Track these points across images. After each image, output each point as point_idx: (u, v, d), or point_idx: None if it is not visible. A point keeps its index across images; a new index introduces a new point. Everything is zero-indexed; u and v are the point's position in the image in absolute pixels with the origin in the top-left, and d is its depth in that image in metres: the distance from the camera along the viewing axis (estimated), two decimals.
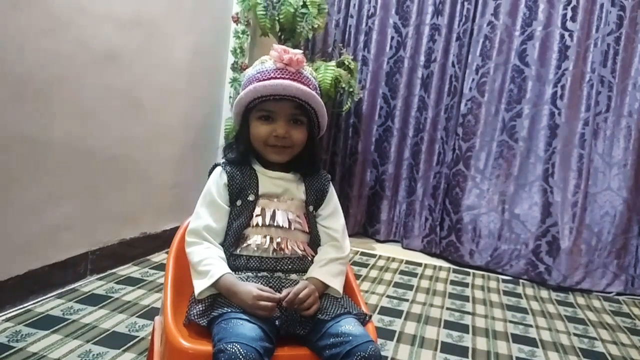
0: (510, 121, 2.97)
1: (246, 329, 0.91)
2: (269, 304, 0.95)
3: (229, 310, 0.97)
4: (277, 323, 0.97)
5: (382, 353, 1.59)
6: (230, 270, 1.03)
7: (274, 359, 0.93)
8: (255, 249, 1.06)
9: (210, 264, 1.02)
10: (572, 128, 2.86)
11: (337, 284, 1.06)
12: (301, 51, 1.10)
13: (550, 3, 2.87)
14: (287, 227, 1.08)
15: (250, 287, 0.98)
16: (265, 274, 1.05)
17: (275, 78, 1.05)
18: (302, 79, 1.08)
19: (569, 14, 2.84)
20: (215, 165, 1.14)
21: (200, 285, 1.02)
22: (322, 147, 3.24)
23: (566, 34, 2.85)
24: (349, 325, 0.96)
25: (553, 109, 2.89)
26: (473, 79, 3.00)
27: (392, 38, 3.24)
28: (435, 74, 3.16)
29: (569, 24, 2.84)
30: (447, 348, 1.83)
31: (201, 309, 1.01)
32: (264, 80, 1.06)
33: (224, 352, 0.86)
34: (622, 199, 2.79)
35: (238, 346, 0.86)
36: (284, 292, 0.99)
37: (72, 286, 1.96)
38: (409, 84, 3.24)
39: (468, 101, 3.02)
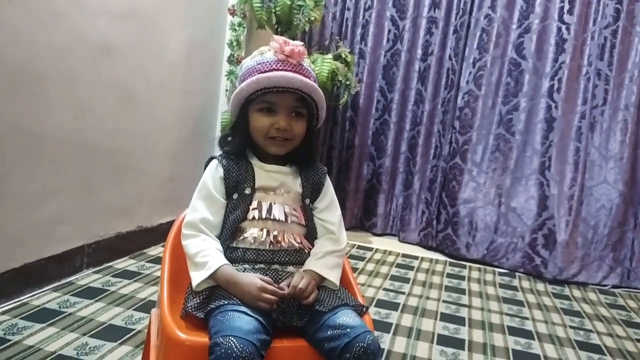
0: (507, 114, 2.97)
1: (243, 322, 0.91)
2: (273, 297, 0.96)
3: (226, 303, 0.96)
4: (273, 315, 0.97)
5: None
6: (227, 262, 1.03)
7: (270, 350, 0.92)
8: (252, 241, 1.06)
9: (207, 256, 1.02)
10: (568, 121, 2.86)
11: (333, 277, 1.06)
12: (302, 43, 1.09)
13: None
14: (284, 220, 1.08)
15: (254, 278, 0.98)
16: (262, 265, 1.05)
17: (277, 70, 1.04)
18: (304, 71, 1.07)
19: (566, 6, 2.83)
20: (212, 158, 1.13)
21: (197, 277, 1.01)
22: (318, 140, 3.24)
23: (563, 27, 2.84)
24: (346, 317, 0.97)
25: (550, 102, 2.89)
26: (470, 72, 3.00)
27: (389, 31, 3.24)
28: (432, 67, 3.16)
29: (566, 17, 2.84)
30: (443, 340, 1.84)
31: (198, 301, 1.01)
32: (265, 71, 1.04)
33: (219, 346, 0.86)
34: (618, 192, 2.80)
35: (234, 340, 0.86)
36: (283, 284, 0.99)
37: (69, 279, 1.96)
38: (406, 77, 3.24)
39: (465, 94, 3.02)
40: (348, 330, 0.93)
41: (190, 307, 1.00)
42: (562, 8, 2.84)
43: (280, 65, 1.05)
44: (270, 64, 1.05)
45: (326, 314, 0.97)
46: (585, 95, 2.84)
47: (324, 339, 0.94)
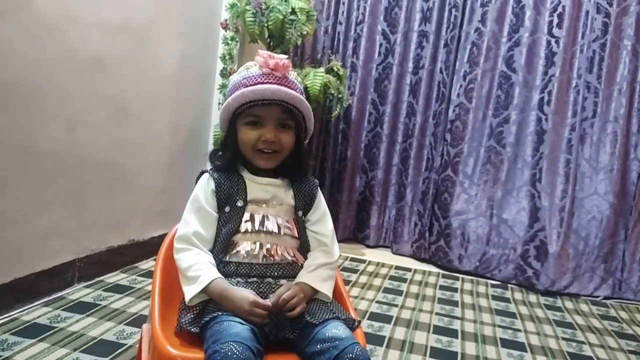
0: (497, 127, 3.00)
1: (239, 329, 0.92)
2: (264, 312, 0.96)
3: (221, 314, 0.96)
4: (266, 329, 0.97)
5: (372, 359, 1.59)
6: (220, 275, 1.03)
7: None
8: (245, 255, 1.06)
9: (200, 270, 1.02)
10: (559, 133, 2.89)
11: (326, 289, 1.07)
12: (286, 56, 1.10)
13: (537, 10, 2.90)
14: (277, 232, 1.08)
15: (246, 293, 0.98)
16: (255, 279, 1.05)
17: (262, 83, 1.05)
18: (289, 83, 1.08)
19: (555, 20, 2.87)
20: (203, 172, 1.14)
21: (190, 291, 1.01)
22: (311, 153, 3.25)
23: (552, 40, 2.88)
24: (335, 330, 0.97)
25: (540, 115, 2.91)
26: (461, 85, 3.02)
27: (381, 45, 3.26)
28: (424, 81, 3.18)
29: (555, 31, 2.87)
30: (436, 353, 1.83)
31: (192, 316, 1.01)
32: (251, 85, 1.05)
33: (218, 352, 0.86)
34: (608, 203, 2.82)
35: (233, 344, 0.86)
36: (271, 297, 0.99)
37: (60, 294, 1.94)
38: (398, 90, 3.26)
39: (456, 107, 3.04)
40: (337, 342, 0.94)
41: (184, 323, 0.99)
42: (551, 22, 2.88)
43: (265, 79, 1.06)
44: (255, 77, 1.07)
45: (316, 327, 0.98)
46: (575, 107, 2.87)
47: (314, 353, 0.95)
